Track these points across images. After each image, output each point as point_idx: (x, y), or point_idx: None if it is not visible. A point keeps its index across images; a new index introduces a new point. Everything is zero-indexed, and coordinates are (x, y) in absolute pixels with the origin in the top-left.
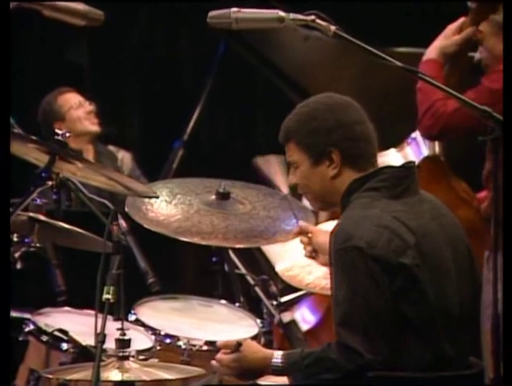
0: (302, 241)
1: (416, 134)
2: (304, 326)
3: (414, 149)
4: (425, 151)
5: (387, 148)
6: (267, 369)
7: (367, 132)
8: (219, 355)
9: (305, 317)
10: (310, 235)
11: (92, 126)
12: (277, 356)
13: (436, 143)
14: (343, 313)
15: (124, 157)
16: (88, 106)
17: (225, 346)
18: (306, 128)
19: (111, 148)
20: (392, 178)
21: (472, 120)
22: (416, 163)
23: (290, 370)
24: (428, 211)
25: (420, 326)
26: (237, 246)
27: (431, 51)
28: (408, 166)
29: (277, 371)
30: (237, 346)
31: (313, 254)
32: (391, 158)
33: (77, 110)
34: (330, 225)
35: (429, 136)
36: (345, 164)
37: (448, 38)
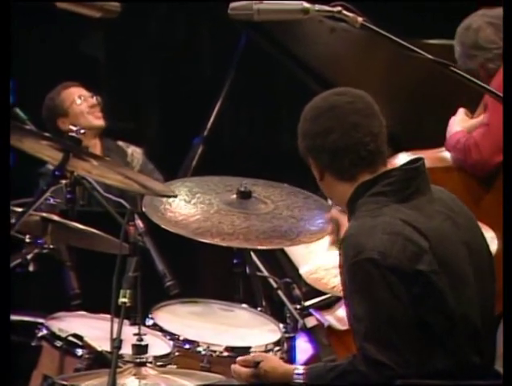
0: (331, 227)
1: None
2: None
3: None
4: None
5: (417, 140)
6: (289, 375)
7: (342, 141)
8: (238, 368)
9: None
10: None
11: (97, 120)
12: (298, 372)
13: None
14: (366, 328)
15: (134, 152)
16: (92, 100)
17: (243, 363)
18: (304, 143)
19: (121, 143)
20: (400, 181)
21: None
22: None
23: (314, 383)
24: (440, 210)
25: (442, 334)
26: (259, 247)
27: (456, 125)
28: (416, 166)
29: (299, 383)
30: (256, 364)
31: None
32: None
33: (80, 105)
34: None
35: (485, 170)
36: (325, 171)
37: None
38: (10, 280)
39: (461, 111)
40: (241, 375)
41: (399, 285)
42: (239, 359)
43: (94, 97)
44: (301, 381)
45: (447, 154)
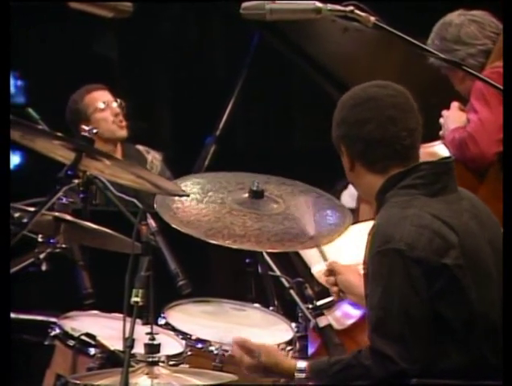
0: (328, 282)
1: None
2: (347, 322)
3: None
4: None
5: (431, 140)
6: (291, 371)
7: (378, 133)
8: (241, 355)
9: (348, 312)
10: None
11: (120, 131)
12: (300, 368)
13: None
14: (378, 318)
15: (154, 158)
16: (115, 109)
17: (248, 351)
18: (336, 132)
19: (141, 148)
20: (430, 174)
21: None
22: None
23: (316, 379)
24: (467, 209)
25: (460, 331)
26: (270, 251)
27: None
28: (446, 162)
29: (301, 379)
30: (258, 357)
31: (341, 294)
32: (437, 149)
33: (104, 112)
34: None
35: (485, 163)
36: (356, 162)
37: None
38: (10, 278)
39: (455, 105)
40: (242, 363)
41: (422, 278)
42: (244, 342)
43: (118, 101)
44: (303, 376)
45: (437, 149)
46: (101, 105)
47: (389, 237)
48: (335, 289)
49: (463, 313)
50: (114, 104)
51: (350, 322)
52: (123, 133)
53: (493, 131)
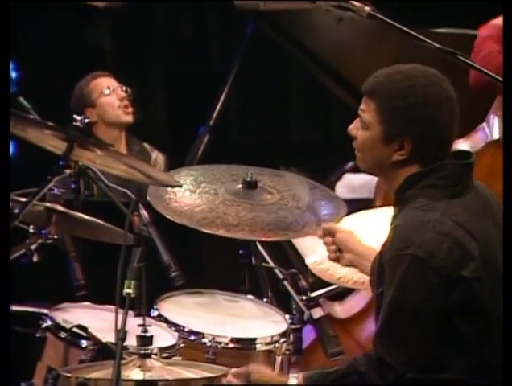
0: (325, 242)
1: (484, 124)
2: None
3: (481, 137)
4: (489, 137)
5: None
6: None
7: (447, 134)
8: (230, 380)
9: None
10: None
11: (126, 116)
12: (293, 377)
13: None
14: (385, 322)
15: (157, 157)
16: (121, 93)
17: (235, 375)
18: (392, 102)
19: (146, 145)
20: (452, 175)
21: None
22: (481, 147)
23: None
24: (485, 209)
25: (472, 341)
26: (264, 239)
27: (495, 27)
28: (469, 162)
29: None
30: (247, 376)
31: (337, 254)
32: (459, 147)
33: (109, 96)
34: (353, 222)
35: (482, 84)
36: (413, 157)
37: None
38: (10, 271)
39: None
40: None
41: (438, 287)
42: (231, 371)
43: (124, 88)
44: None
45: (460, 146)
46: (107, 91)
47: (409, 242)
48: (332, 247)
49: (477, 325)
50: (120, 89)
51: (355, 311)
52: (129, 118)
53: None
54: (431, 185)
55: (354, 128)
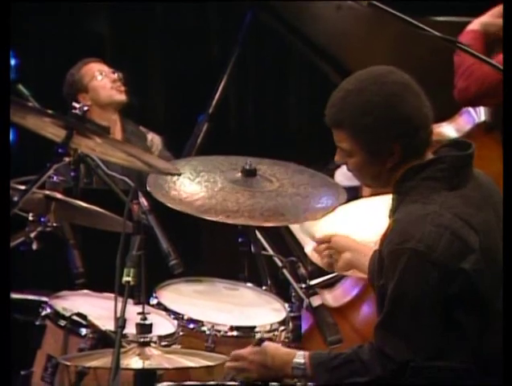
0: (320, 249)
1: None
2: (344, 299)
3: (467, 119)
4: (477, 119)
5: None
6: (288, 366)
7: (425, 116)
8: (238, 351)
9: (347, 289)
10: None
11: (119, 95)
12: (300, 354)
13: (489, 111)
14: (385, 315)
15: (154, 138)
16: (113, 75)
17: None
18: (360, 123)
19: (141, 128)
20: (452, 167)
21: None
22: (467, 130)
23: (315, 370)
24: (486, 199)
25: (473, 334)
26: (264, 225)
27: (475, 24)
28: (468, 153)
29: (298, 370)
30: (259, 341)
31: (331, 259)
32: (444, 130)
33: (101, 80)
34: (349, 210)
35: (464, 99)
36: (406, 155)
37: (493, 17)
38: (10, 258)
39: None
40: (242, 354)
41: (438, 281)
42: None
43: (116, 73)
44: (301, 365)
45: (444, 130)
46: (99, 76)
47: (408, 236)
48: (325, 253)
49: (478, 318)
50: (112, 74)
51: (347, 299)
52: (122, 97)
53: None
54: (430, 177)
55: (340, 158)
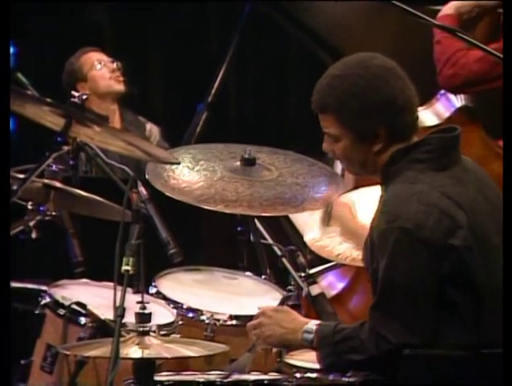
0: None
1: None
2: (332, 292)
3: (445, 104)
4: (457, 103)
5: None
6: (300, 330)
7: (410, 99)
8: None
9: (332, 283)
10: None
11: (118, 85)
12: (313, 322)
13: (468, 96)
14: (378, 296)
15: (152, 128)
16: (112, 65)
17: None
18: (346, 107)
19: (140, 118)
20: (438, 149)
21: (493, 71)
22: (448, 116)
23: (320, 343)
24: (473, 181)
25: (466, 311)
26: (263, 214)
27: (449, 8)
28: (454, 135)
29: (308, 334)
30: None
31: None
32: (421, 115)
33: (100, 70)
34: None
35: (450, 87)
36: (391, 138)
37: None
38: (10, 247)
39: None
40: (264, 309)
41: (428, 259)
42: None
43: (115, 63)
44: (311, 332)
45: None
46: (98, 66)
47: (396, 215)
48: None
49: (471, 295)
50: (110, 63)
51: (333, 293)
52: (120, 87)
53: (482, 65)
54: (416, 159)
55: (328, 145)
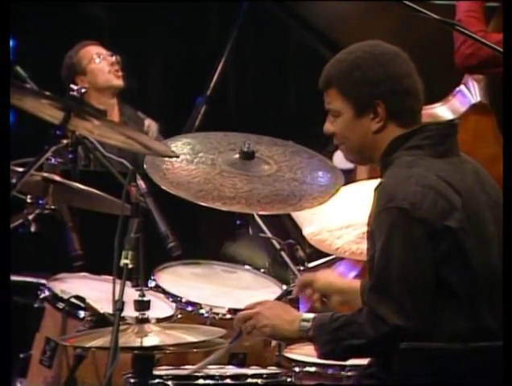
0: (307, 295)
1: (461, 87)
2: None
3: (461, 100)
4: (472, 100)
5: (431, 102)
6: (297, 321)
7: (415, 86)
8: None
9: (343, 272)
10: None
11: (117, 80)
12: (310, 314)
13: (484, 93)
14: (376, 277)
15: (151, 124)
16: (111, 58)
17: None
18: (350, 77)
19: (139, 113)
20: (436, 135)
21: None
22: (464, 111)
23: (317, 331)
24: (471, 172)
25: (463, 295)
26: (261, 213)
27: None
28: (452, 124)
29: (305, 323)
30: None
31: (324, 299)
32: (437, 111)
33: (99, 63)
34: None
35: (465, 66)
36: (390, 118)
37: None
38: (11, 240)
39: None
40: (262, 300)
41: (424, 239)
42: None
43: (113, 56)
44: (308, 321)
45: (438, 110)
46: (97, 59)
47: (393, 196)
48: (315, 297)
49: (466, 277)
50: (109, 57)
51: None
52: (119, 82)
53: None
54: (415, 146)
55: (328, 123)
